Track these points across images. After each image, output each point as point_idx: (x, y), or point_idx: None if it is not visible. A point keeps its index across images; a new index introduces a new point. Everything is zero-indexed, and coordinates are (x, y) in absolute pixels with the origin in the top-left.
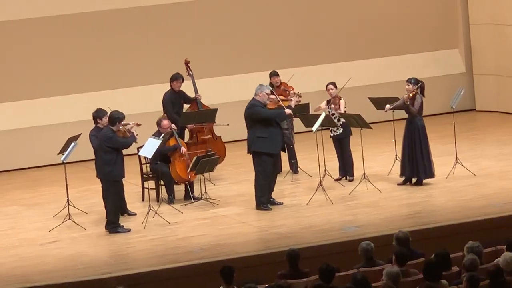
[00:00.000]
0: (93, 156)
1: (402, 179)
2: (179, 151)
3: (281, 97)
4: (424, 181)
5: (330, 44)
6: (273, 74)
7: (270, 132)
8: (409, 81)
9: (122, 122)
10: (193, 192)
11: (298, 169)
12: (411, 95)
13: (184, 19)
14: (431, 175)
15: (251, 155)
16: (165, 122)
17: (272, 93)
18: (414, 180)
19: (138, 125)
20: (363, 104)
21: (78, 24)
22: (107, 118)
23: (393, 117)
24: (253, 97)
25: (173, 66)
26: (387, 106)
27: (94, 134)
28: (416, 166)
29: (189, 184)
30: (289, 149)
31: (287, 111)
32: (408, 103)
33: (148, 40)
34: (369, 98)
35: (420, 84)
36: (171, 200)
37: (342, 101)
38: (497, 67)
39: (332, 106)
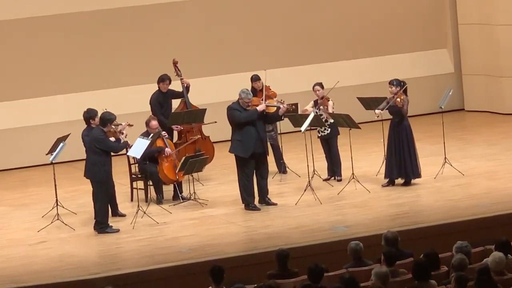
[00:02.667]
0: (81, 157)
1: (386, 180)
2: (164, 154)
3: (270, 101)
4: (412, 181)
5: (319, 44)
6: (255, 79)
7: (244, 136)
8: (391, 83)
9: (114, 123)
10: (182, 192)
11: (287, 169)
12: (399, 99)
13: (173, 20)
14: (418, 175)
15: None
16: (154, 123)
17: (262, 99)
18: (397, 181)
19: (130, 125)
20: (352, 104)
21: (67, 24)
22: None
23: (382, 117)
24: (238, 99)
25: (162, 66)
26: (377, 110)
27: (87, 134)
28: (404, 166)
29: (177, 184)
30: (275, 149)
31: (260, 107)
32: (401, 105)
33: (137, 41)
34: (357, 98)
35: (403, 85)
36: (159, 200)
37: (330, 102)
38: (486, 67)
39: (321, 107)
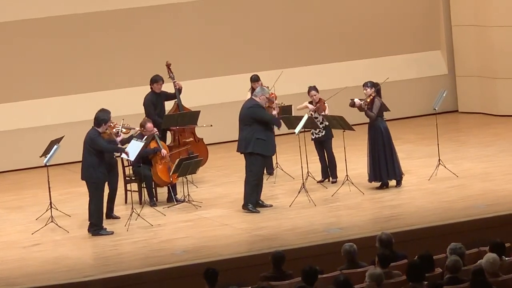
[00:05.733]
0: (76, 159)
1: (378, 183)
2: (160, 154)
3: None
4: (407, 183)
5: (312, 46)
6: (254, 79)
7: (268, 135)
8: (365, 85)
9: (126, 126)
10: (176, 194)
11: (274, 170)
12: (368, 100)
13: (167, 22)
14: (394, 176)
15: (243, 155)
16: (149, 125)
17: (273, 101)
18: (391, 183)
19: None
20: (346, 106)
21: (61, 26)
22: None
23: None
24: (252, 97)
25: (156, 68)
26: (357, 100)
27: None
28: (378, 169)
29: (171, 187)
30: None
31: (274, 111)
32: (366, 108)
33: (132, 43)
34: (351, 100)
35: (378, 87)
36: (153, 203)
37: (326, 105)
38: (480, 69)
39: (318, 111)
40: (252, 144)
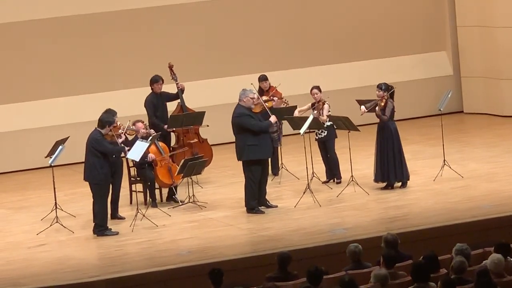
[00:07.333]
0: (80, 159)
1: (384, 184)
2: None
3: (264, 97)
4: (412, 183)
5: (318, 47)
6: (262, 79)
7: (260, 139)
8: (379, 87)
9: (130, 128)
10: (175, 194)
11: (280, 171)
12: (382, 104)
13: (171, 23)
14: (402, 177)
15: (241, 161)
16: (138, 124)
17: (258, 97)
18: (396, 184)
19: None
20: (351, 107)
21: (65, 27)
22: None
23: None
24: (238, 103)
25: (159, 69)
26: (363, 107)
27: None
28: (387, 169)
29: (173, 187)
30: (274, 151)
31: (273, 119)
32: (380, 113)
33: (136, 43)
34: (356, 100)
35: (391, 90)
36: (154, 204)
37: (326, 106)
38: (485, 69)
39: (315, 112)
40: (246, 152)
